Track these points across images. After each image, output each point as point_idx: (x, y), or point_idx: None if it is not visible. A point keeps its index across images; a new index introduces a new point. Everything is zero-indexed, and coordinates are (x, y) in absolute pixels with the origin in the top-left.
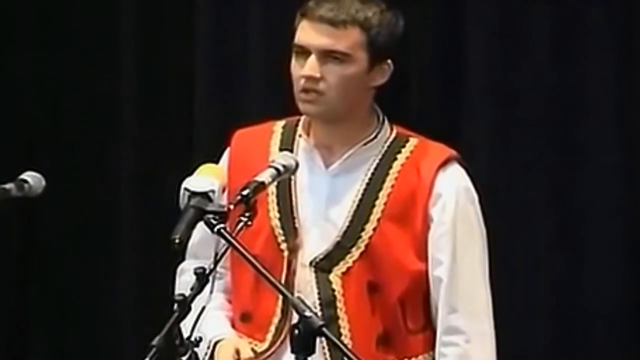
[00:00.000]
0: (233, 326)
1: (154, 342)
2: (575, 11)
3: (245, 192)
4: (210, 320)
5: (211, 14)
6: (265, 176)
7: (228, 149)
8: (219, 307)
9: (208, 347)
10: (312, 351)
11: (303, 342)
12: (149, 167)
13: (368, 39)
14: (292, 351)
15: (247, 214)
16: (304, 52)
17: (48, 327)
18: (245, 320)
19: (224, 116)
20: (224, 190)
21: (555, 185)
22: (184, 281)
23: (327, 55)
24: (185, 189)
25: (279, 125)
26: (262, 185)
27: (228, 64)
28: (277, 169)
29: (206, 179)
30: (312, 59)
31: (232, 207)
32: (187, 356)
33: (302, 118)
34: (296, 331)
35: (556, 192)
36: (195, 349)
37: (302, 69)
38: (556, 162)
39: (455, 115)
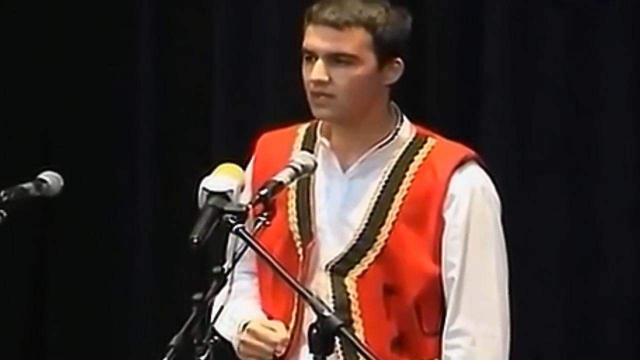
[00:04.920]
0: None
1: (172, 342)
2: (591, 9)
3: (263, 192)
4: (242, 307)
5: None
6: (283, 176)
7: (254, 156)
8: (251, 297)
9: (238, 332)
10: (331, 351)
11: (322, 341)
12: (167, 166)
13: (374, 38)
14: (311, 351)
15: (265, 214)
16: (312, 57)
17: (66, 327)
18: None
19: (242, 114)
20: (242, 189)
21: (571, 182)
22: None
23: (334, 58)
24: (204, 188)
25: (302, 128)
26: (280, 185)
27: (245, 60)
28: (295, 169)
29: (224, 178)
30: (320, 63)
31: (250, 206)
32: (205, 356)
33: (322, 121)
34: (314, 331)
35: (572, 190)
36: (230, 335)
37: (311, 74)
38: (572, 160)
39: (472, 113)
